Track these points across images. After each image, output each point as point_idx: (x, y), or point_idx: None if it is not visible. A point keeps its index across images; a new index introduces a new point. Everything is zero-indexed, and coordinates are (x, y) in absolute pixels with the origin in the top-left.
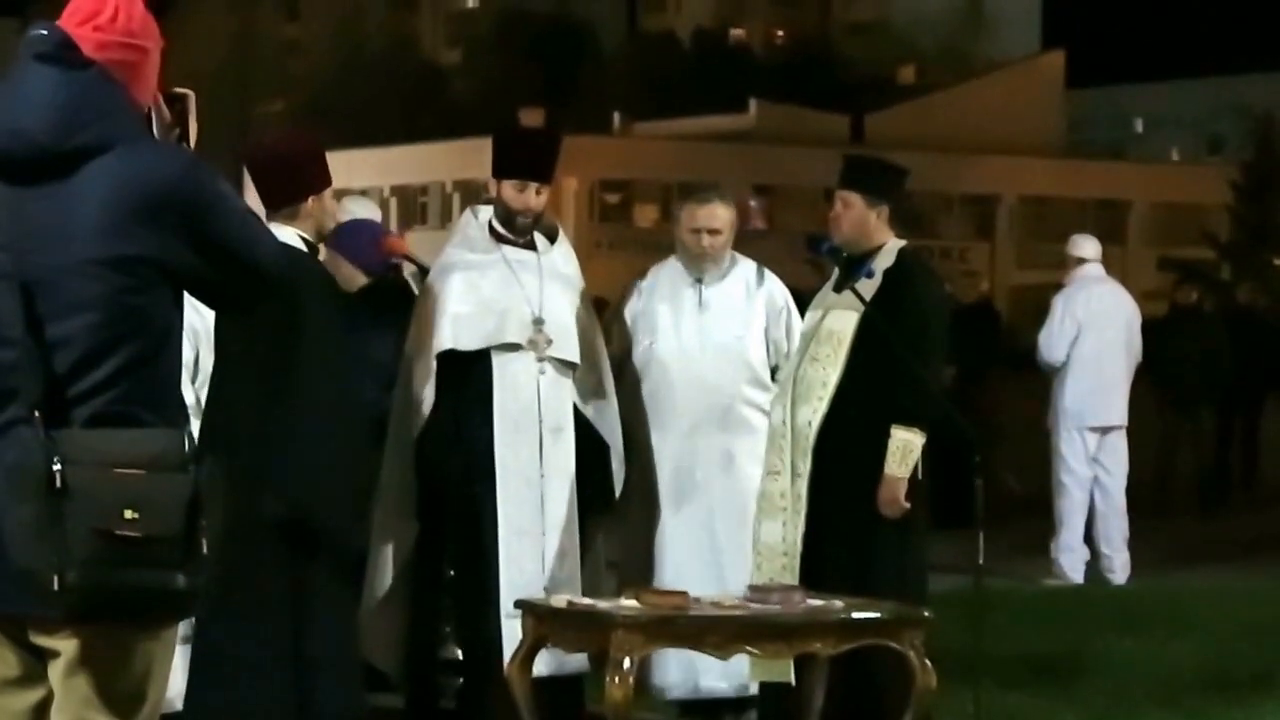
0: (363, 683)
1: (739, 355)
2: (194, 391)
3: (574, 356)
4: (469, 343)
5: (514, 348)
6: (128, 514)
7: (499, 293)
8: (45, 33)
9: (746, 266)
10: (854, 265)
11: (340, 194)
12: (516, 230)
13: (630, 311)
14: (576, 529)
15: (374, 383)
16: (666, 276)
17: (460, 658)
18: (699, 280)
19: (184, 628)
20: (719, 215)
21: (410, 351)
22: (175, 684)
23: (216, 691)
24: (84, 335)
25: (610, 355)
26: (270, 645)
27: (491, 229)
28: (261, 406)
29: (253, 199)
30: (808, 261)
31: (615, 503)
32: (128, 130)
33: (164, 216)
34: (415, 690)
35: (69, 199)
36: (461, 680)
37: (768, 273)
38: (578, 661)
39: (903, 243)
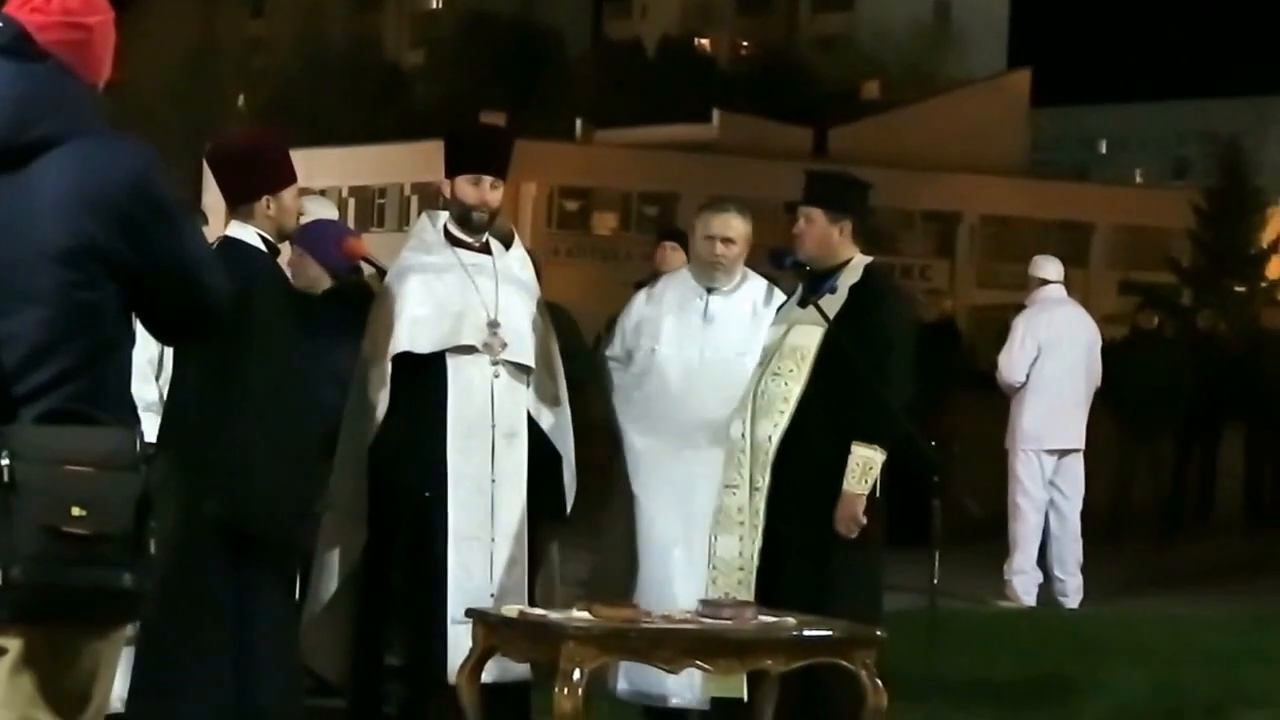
0: (304, 688)
1: (738, 372)
2: (158, 388)
3: (529, 360)
4: (425, 345)
5: (469, 350)
6: (76, 511)
7: (455, 296)
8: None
9: (757, 285)
10: (818, 281)
11: (299, 193)
12: (472, 227)
13: (635, 316)
14: (525, 537)
15: (336, 388)
16: (676, 285)
17: (404, 664)
18: (709, 290)
19: (129, 629)
20: (733, 225)
21: (366, 354)
22: (118, 686)
23: (158, 694)
24: (34, 330)
25: (610, 358)
26: (211, 649)
27: (448, 233)
28: (208, 408)
29: (215, 197)
30: (766, 276)
31: (565, 513)
32: (83, 123)
33: (115, 210)
34: (358, 696)
35: (21, 192)
36: (405, 687)
37: (777, 292)
38: (522, 668)
39: (869, 259)
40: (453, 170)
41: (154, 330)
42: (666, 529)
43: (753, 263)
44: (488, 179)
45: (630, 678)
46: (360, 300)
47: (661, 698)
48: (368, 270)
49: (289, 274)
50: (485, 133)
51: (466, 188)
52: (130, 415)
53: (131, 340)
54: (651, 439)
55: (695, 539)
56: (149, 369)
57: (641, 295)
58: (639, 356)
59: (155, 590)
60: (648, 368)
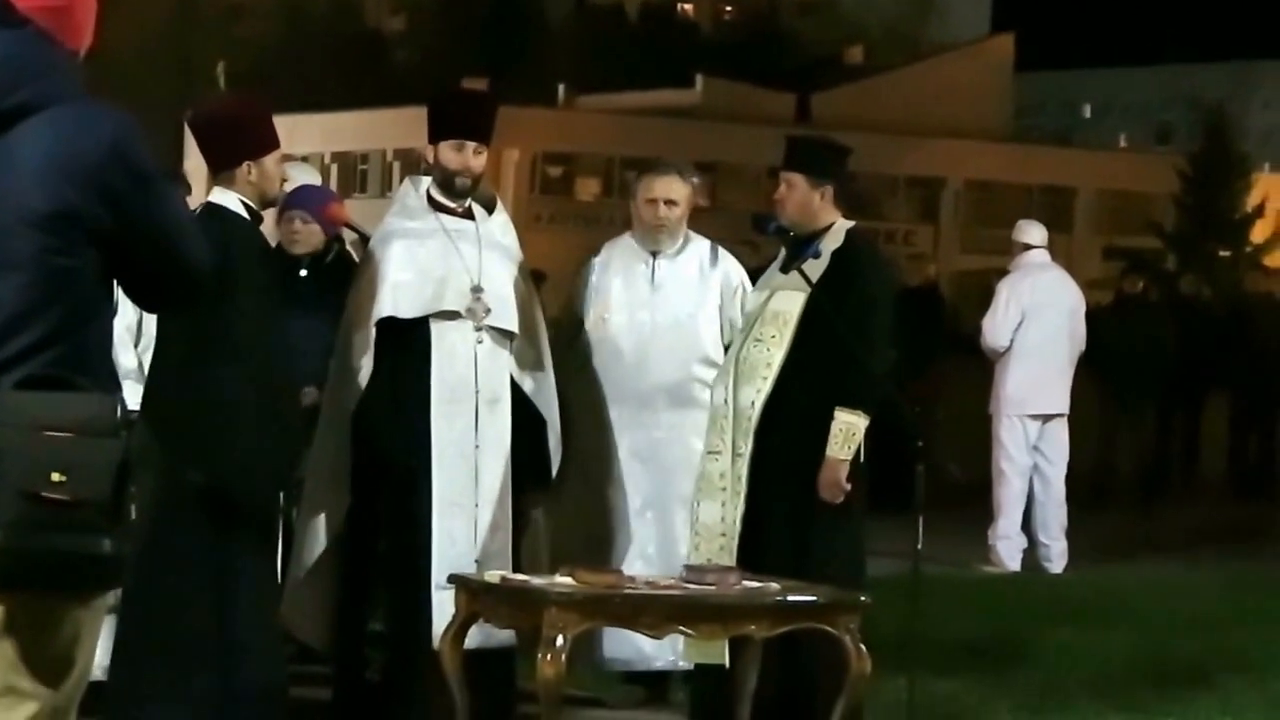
0: (287, 654)
1: (691, 333)
2: (136, 356)
3: (512, 326)
4: (408, 310)
5: (452, 316)
6: (55, 477)
7: (438, 261)
8: None
9: (701, 245)
10: (800, 246)
11: (281, 159)
12: (455, 193)
13: (583, 286)
14: (509, 502)
15: (319, 358)
16: (620, 252)
17: (386, 630)
18: (653, 254)
19: (110, 597)
20: (675, 188)
21: (348, 319)
22: (100, 654)
23: (140, 662)
24: (13, 296)
25: (561, 330)
26: (193, 616)
27: (430, 199)
28: (190, 374)
29: (197, 163)
30: (745, 242)
31: (550, 478)
32: (64, 90)
33: (94, 177)
34: (341, 662)
35: (1, 158)
36: (388, 652)
37: (722, 251)
38: (507, 634)
39: (851, 223)
40: (436, 136)
41: (135, 297)
42: (636, 494)
43: (734, 228)
44: (471, 145)
45: (610, 647)
46: (343, 273)
47: (644, 663)
48: (350, 237)
49: (291, 241)
50: (469, 98)
51: (450, 153)
52: (110, 381)
53: (111, 307)
54: (612, 406)
55: (667, 502)
56: (127, 336)
57: (586, 267)
58: (589, 327)
59: (135, 556)
60: (600, 337)
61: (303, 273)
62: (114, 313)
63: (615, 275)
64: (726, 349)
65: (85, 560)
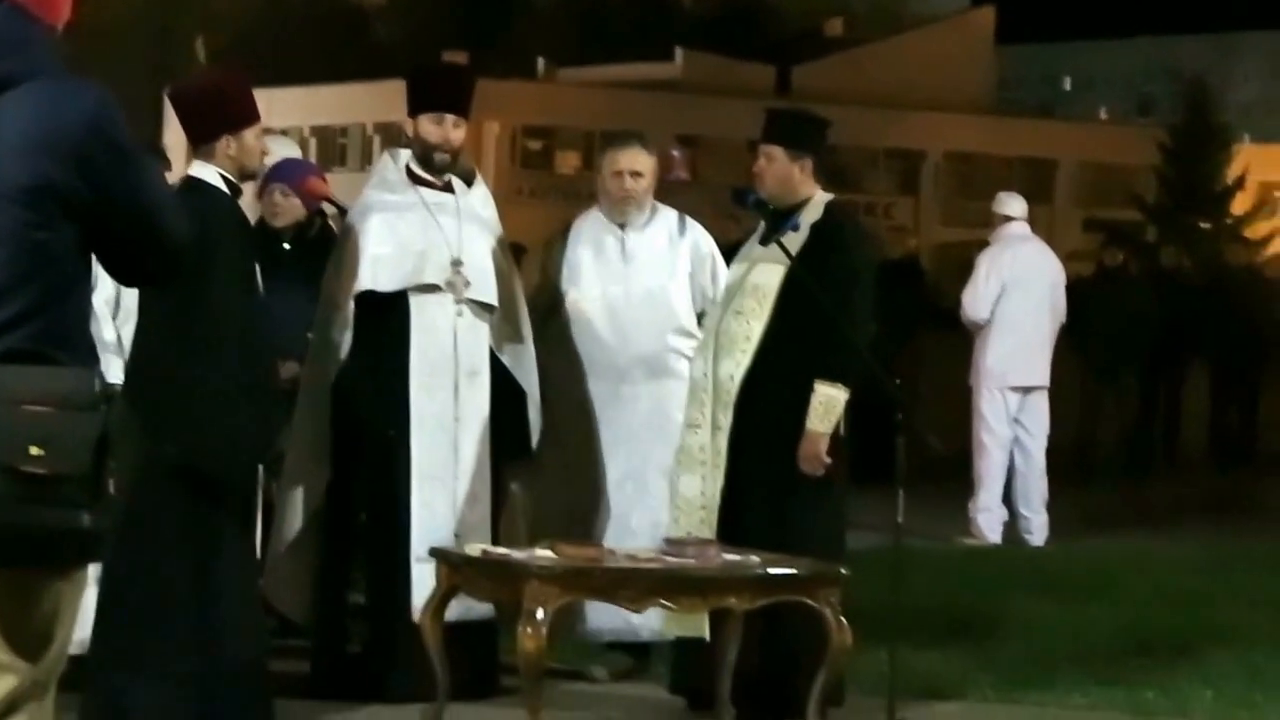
0: (267, 628)
1: (664, 303)
2: (115, 328)
3: (492, 299)
4: (387, 284)
5: (432, 289)
6: (34, 451)
7: (417, 234)
8: None
9: (668, 215)
10: (780, 219)
11: (261, 133)
12: (435, 168)
13: (554, 261)
14: (489, 475)
15: (300, 332)
16: (589, 226)
17: (367, 603)
18: (622, 227)
19: (91, 571)
20: (640, 159)
21: (328, 293)
22: (81, 629)
23: (120, 636)
24: None
25: (534, 305)
26: (174, 590)
27: (409, 172)
28: (169, 348)
29: (177, 137)
30: (727, 215)
31: (531, 451)
32: (42, 65)
33: (72, 151)
34: (322, 635)
35: None
36: (368, 625)
37: (690, 220)
38: (486, 607)
39: (830, 196)
40: (415, 109)
41: (113, 272)
42: (617, 466)
43: (715, 201)
44: (450, 118)
45: (596, 617)
46: (325, 241)
47: (629, 632)
48: (330, 210)
49: (272, 214)
50: (448, 71)
51: (429, 127)
52: (89, 355)
53: (90, 281)
54: (589, 380)
55: (647, 474)
56: (106, 310)
57: (556, 242)
58: (565, 302)
59: (115, 530)
60: (575, 313)
61: (286, 246)
62: (92, 287)
63: (585, 249)
64: (699, 317)
65: (64, 534)
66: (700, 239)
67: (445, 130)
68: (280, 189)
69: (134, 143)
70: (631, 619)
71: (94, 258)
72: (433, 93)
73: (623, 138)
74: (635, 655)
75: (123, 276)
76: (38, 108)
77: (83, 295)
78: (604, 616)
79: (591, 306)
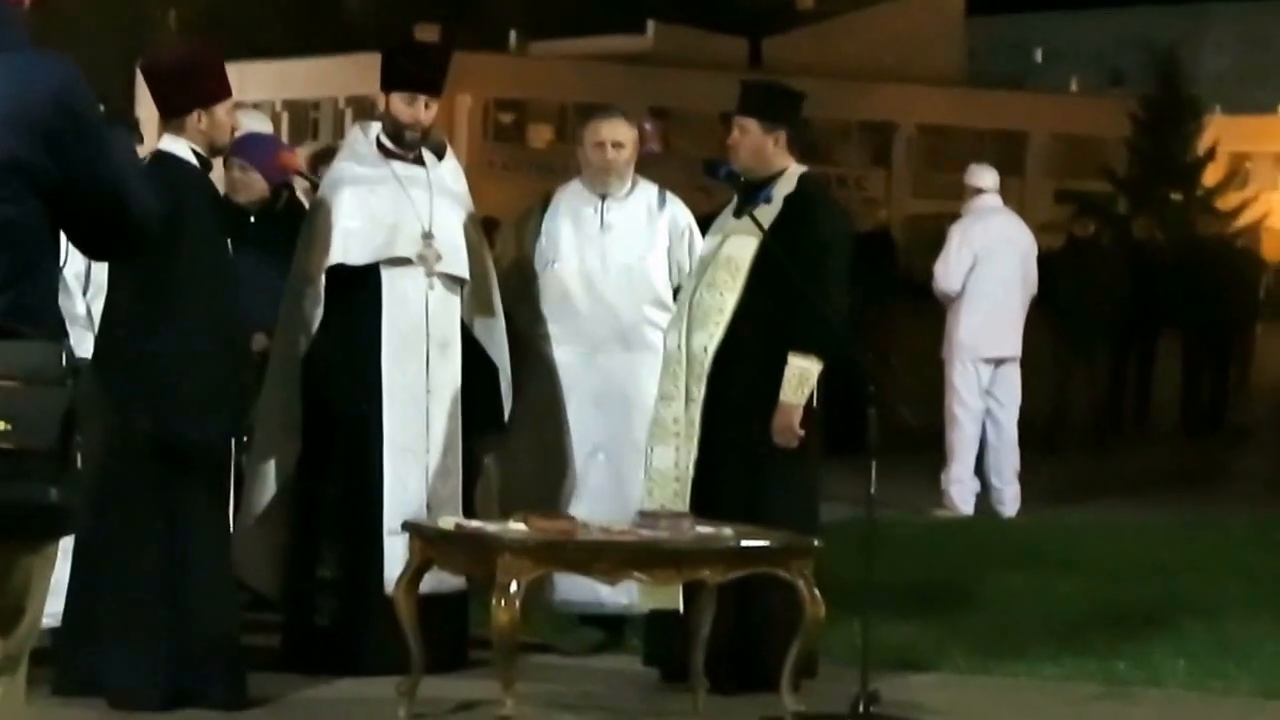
0: (239, 602)
1: (641, 276)
2: (86, 303)
3: (463, 272)
4: (359, 257)
5: (404, 263)
6: (1, 425)
7: (389, 208)
8: None
9: (648, 189)
10: (753, 191)
11: (233, 108)
12: (405, 145)
13: (532, 231)
14: (460, 448)
15: (269, 305)
16: (569, 198)
17: (337, 577)
18: (602, 197)
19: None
20: (622, 130)
21: (299, 266)
22: (53, 603)
23: (92, 610)
24: None
25: (511, 275)
26: (145, 563)
27: (380, 145)
28: (140, 322)
29: (149, 113)
30: (699, 188)
31: (503, 424)
32: (8, 39)
33: (38, 125)
34: (292, 609)
35: None
36: (339, 598)
37: (669, 195)
38: (458, 580)
39: (804, 168)
40: (388, 85)
41: (81, 246)
42: (590, 437)
43: (687, 173)
44: (423, 98)
45: (565, 589)
46: (293, 220)
47: (599, 604)
48: (302, 185)
49: (233, 189)
50: (422, 51)
51: (401, 106)
52: (57, 329)
53: (58, 256)
54: (563, 350)
55: (620, 445)
56: (75, 284)
57: (535, 213)
58: (542, 271)
59: (84, 505)
60: (551, 281)
61: (251, 220)
62: (60, 261)
63: (564, 220)
64: (675, 292)
65: (32, 509)
66: (679, 213)
67: (416, 110)
68: (239, 164)
69: (100, 117)
70: (600, 591)
71: (62, 232)
72: (406, 72)
73: (606, 110)
74: (609, 628)
75: (91, 251)
76: (4, 83)
77: (50, 270)
78: (574, 588)
79: (569, 277)
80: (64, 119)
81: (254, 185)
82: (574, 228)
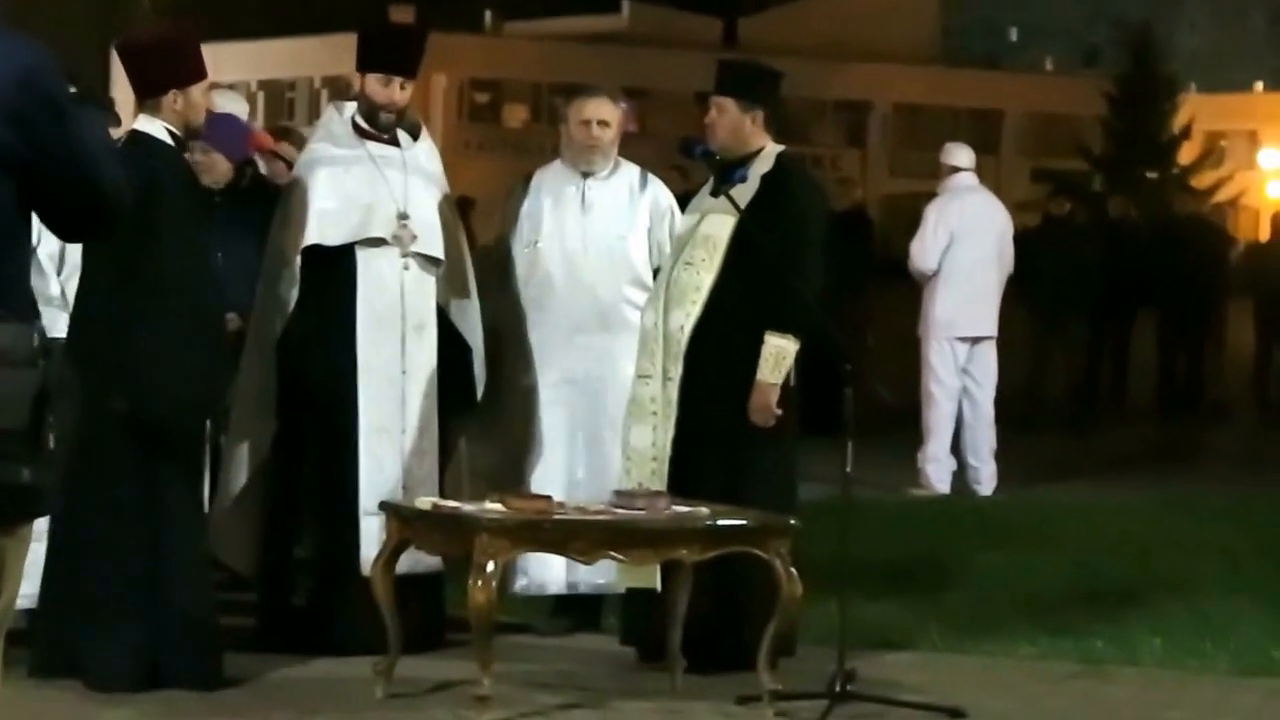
0: (215, 582)
1: (622, 256)
2: (59, 284)
3: (438, 253)
4: (334, 238)
5: (379, 243)
6: None
7: (364, 188)
8: None
9: (630, 170)
10: (729, 170)
11: (209, 89)
12: (380, 126)
13: (514, 210)
14: (436, 428)
15: (244, 285)
16: (551, 177)
17: (312, 557)
18: (585, 176)
19: (40, 525)
20: (607, 109)
21: (274, 247)
22: (29, 584)
23: (69, 591)
24: None
25: (494, 255)
26: (121, 543)
27: (355, 125)
28: (115, 302)
29: (125, 95)
30: (674, 167)
31: (477, 404)
32: None
33: (6, 106)
34: (268, 588)
35: None
36: (315, 578)
37: (651, 176)
38: (434, 560)
39: (781, 148)
40: (364, 66)
41: (52, 227)
42: (567, 416)
43: (663, 153)
44: (398, 80)
45: (531, 573)
46: (266, 199)
47: (572, 585)
48: (272, 165)
49: (196, 171)
50: (399, 33)
51: (376, 87)
52: (29, 310)
53: (29, 236)
54: (542, 330)
55: (598, 425)
56: (49, 264)
57: (518, 192)
58: (522, 252)
59: (57, 486)
60: (532, 260)
61: (216, 200)
62: (32, 242)
63: (546, 199)
64: (655, 272)
65: (5, 490)
66: (660, 194)
67: (392, 92)
68: (201, 147)
69: (70, 97)
70: (576, 572)
71: (34, 213)
72: (382, 53)
73: (591, 89)
74: (585, 607)
75: (62, 231)
76: None
77: (22, 251)
78: (548, 571)
79: (549, 255)
80: (33, 99)
81: (217, 166)
82: (555, 206)
